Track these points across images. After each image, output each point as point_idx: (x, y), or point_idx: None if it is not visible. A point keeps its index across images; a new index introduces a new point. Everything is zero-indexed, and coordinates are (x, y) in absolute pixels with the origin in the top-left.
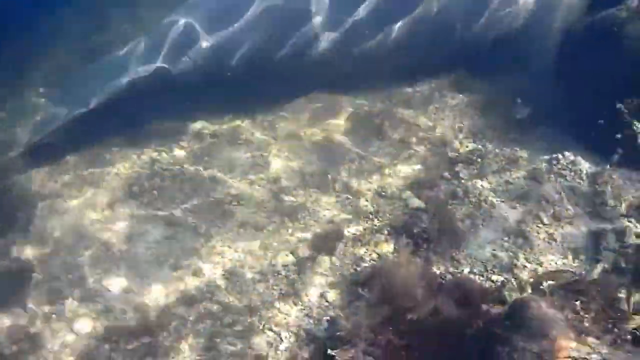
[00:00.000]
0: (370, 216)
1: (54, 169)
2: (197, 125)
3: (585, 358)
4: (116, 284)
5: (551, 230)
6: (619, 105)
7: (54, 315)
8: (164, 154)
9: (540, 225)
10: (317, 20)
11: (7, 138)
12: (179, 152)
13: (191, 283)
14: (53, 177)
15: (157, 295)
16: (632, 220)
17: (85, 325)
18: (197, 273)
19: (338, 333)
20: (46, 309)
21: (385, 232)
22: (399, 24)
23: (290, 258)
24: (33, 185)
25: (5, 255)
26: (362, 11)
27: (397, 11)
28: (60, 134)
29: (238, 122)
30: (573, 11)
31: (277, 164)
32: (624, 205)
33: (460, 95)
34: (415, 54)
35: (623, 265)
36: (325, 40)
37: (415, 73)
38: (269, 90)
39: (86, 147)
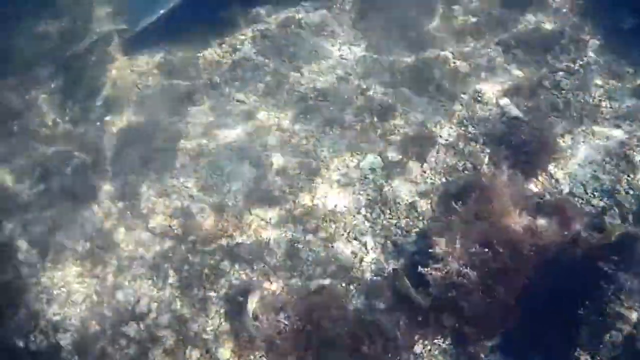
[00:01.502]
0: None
1: (130, 59)
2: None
3: None
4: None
5: None
6: None
7: None
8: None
9: None
10: None
11: (73, 27)
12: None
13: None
14: (131, 66)
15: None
16: None
17: None
18: (278, 172)
19: (430, 250)
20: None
21: (481, 141)
22: None
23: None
24: (110, 74)
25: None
26: None
27: None
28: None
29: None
30: None
31: None
32: None
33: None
34: None
35: None
36: None
37: None
38: None
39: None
